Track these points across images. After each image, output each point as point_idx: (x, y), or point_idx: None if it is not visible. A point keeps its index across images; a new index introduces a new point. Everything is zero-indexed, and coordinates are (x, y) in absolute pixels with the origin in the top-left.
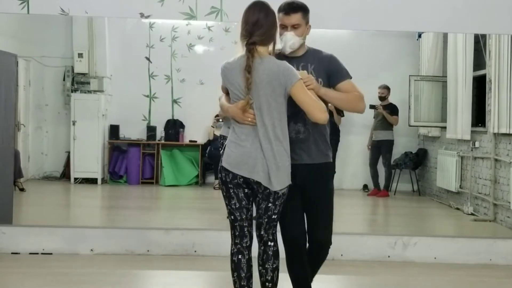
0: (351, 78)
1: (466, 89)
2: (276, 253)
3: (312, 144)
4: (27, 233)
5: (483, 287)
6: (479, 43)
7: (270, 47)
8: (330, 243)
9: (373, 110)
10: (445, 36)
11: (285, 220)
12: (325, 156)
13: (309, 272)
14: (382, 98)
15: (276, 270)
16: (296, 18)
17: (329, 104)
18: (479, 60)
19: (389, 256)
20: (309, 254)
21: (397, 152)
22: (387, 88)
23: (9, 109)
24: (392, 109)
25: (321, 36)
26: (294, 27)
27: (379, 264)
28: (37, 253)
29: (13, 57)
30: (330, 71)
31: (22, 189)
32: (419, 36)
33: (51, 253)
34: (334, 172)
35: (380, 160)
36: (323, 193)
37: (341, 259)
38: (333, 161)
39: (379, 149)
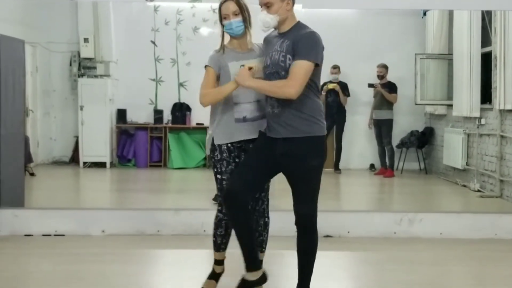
0: (309, 60)
1: (474, 66)
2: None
3: (288, 119)
4: (40, 216)
5: (488, 261)
6: (485, 20)
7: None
8: (310, 220)
9: (372, 89)
10: (450, 13)
11: (233, 174)
12: (303, 131)
13: (256, 240)
14: (380, 77)
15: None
16: None
17: (335, 85)
18: (484, 37)
19: (395, 233)
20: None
21: (403, 130)
22: (385, 67)
23: (18, 95)
24: (391, 87)
25: (327, 15)
26: (267, 5)
27: (386, 241)
28: (50, 235)
29: (21, 43)
30: (295, 49)
31: (32, 174)
32: (424, 14)
33: (63, 235)
34: (340, 150)
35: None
36: (302, 168)
37: (347, 236)
38: (338, 142)
39: (380, 128)
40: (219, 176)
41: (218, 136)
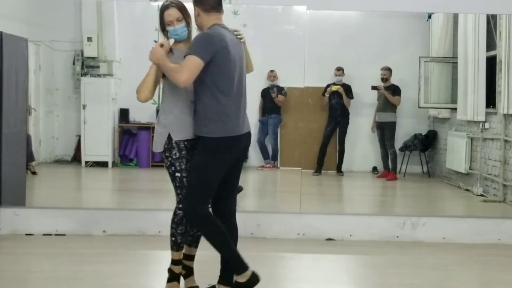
0: (194, 54)
1: (480, 69)
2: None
3: (195, 116)
4: (41, 215)
5: (491, 266)
6: (490, 24)
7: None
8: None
9: (375, 91)
10: (455, 16)
11: None
12: (200, 130)
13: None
14: (384, 80)
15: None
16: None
17: (339, 87)
18: (489, 41)
19: (398, 236)
20: None
21: (407, 133)
22: (389, 70)
23: (21, 93)
24: (394, 90)
25: (331, 17)
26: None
27: (388, 244)
28: (51, 234)
29: (24, 41)
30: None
31: (34, 173)
32: (429, 17)
33: (64, 234)
34: (343, 153)
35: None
36: (192, 163)
37: (350, 239)
38: (341, 145)
39: (383, 131)
40: (178, 174)
41: (177, 133)
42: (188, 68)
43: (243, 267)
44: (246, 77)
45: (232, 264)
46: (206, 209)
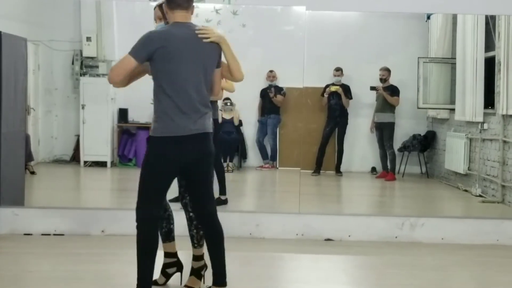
0: (130, 53)
1: (478, 70)
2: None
3: None
4: (40, 215)
5: (490, 267)
6: (489, 25)
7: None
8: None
9: (374, 92)
10: (454, 17)
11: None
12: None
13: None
14: (383, 80)
15: None
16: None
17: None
18: (488, 42)
19: (396, 237)
20: None
21: (405, 134)
22: (387, 70)
23: (20, 93)
24: (393, 90)
25: (330, 18)
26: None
27: (387, 245)
28: (49, 234)
29: (23, 41)
30: None
31: (33, 172)
32: (428, 17)
33: (63, 234)
34: (341, 153)
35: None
36: None
37: (349, 239)
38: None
39: (382, 131)
40: None
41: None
42: (118, 66)
43: (143, 286)
44: (245, 76)
45: (141, 276)
46: (147, 212)
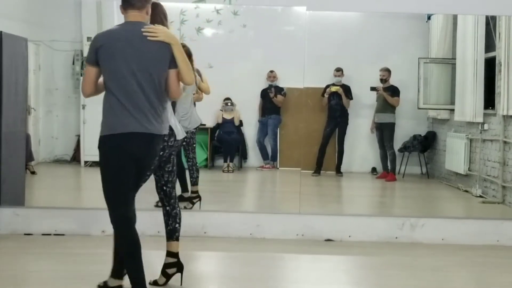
0: (86, 61)
1: (478, 71)
2: None
3: None
4: (40, 215)
5: (490, 267)
6: (489, 25)
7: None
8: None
9: (375, 92)
10: (454, 18)
11: None
12: None
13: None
14: (383, 81)
15: None
16: None
17: (338, 88)
18: (488, 42)
19: (396, 237)
20: None
21: (406, 134)
22: (388, 71)
23: (21, 93)
24: (393, 91)
25: (330, 18)
26: None
27: (387, 245)
28: (50, 234)
29: (24, 41)
30: None
31: (33, 172)
32: (429, 18)
33: (63, 234)
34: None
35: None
36: None
37: (349, 240)
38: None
39: (382, 132)
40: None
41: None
42: (84, 79)
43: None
44: (246, 76)
45: (132, 278)
46: (118, 215)
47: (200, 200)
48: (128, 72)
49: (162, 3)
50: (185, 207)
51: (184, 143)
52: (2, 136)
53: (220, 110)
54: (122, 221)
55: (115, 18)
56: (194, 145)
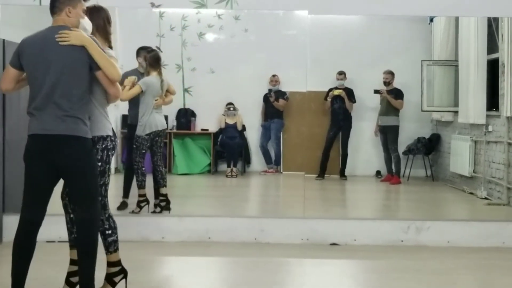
0: (10, 61)
1: (480, 72)
2: None
3: None
4: (44, 222)
5: (496, 270)
6: (492, 27)
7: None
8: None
9: (378, 95)
10: (457, 20)
11: None
12: None
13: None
14: (387, 83)
15: None
16: None
17: (341, 91)
18: (491, 44)
19: (402, 241)
20: None
21: (410, 137)
22: (391, 73)
23: (23, 100)
24: (397, 94)
25: (333, 21)
26: None
27: (392, 249)
28: (54, 241)
29: None
30: None
31: None
32: (431, 20)
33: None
34: (346, 157)
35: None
36: None
37: (354, 244)
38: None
39: (386, 135)
40: None
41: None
42: (3, 75)
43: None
44: (248, 80)
45: (13, 282)
46: (25, 215)
47: (148, 204)
48: (42, 77)
49: (165, 9)
50: (133, 211)
51: (134, 146)
52: (5, 143)
53: (223, 115)
54: (28, 222)
55: (117, 24)
56: (144, 152)
